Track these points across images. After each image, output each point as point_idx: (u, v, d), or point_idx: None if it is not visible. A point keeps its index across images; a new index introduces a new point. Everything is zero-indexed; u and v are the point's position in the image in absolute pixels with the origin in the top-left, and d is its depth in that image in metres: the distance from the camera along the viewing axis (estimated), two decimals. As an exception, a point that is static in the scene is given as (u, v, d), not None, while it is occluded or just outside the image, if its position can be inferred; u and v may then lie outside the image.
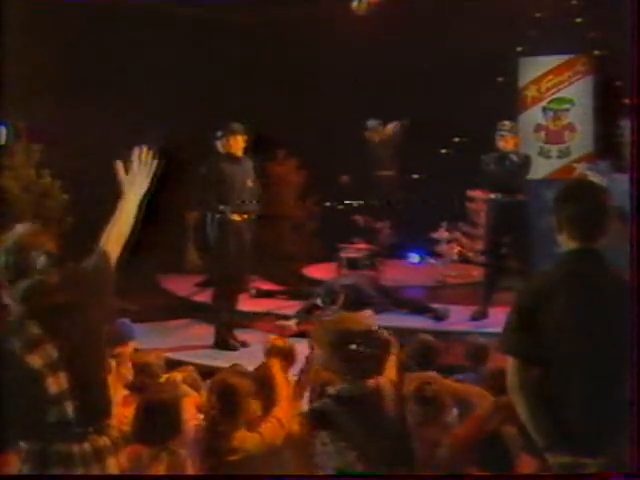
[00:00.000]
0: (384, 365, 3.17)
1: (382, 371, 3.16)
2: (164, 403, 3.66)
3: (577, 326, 2.85)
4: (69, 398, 2.89)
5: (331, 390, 3.18)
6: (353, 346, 3.05)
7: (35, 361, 2.86)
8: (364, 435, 3.02)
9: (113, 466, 3.01)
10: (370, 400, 3.09)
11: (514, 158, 7.65)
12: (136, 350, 5.30)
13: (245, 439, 3.67)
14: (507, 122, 7.78)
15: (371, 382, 3.12)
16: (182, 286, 9.54)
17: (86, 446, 2.91)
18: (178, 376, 4.84)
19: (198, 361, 6.46)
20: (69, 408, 2.89)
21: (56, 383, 2.87)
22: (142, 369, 4.58)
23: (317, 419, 3.11)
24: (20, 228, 3.11)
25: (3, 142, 8.81)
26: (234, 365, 4.75)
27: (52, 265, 2.97)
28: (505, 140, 7.64)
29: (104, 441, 2.97)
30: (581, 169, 9.29)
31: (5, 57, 7.27)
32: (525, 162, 7.75)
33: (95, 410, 3.00)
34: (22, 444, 2.91)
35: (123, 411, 4.18)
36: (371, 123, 10.02)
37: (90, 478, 2.95)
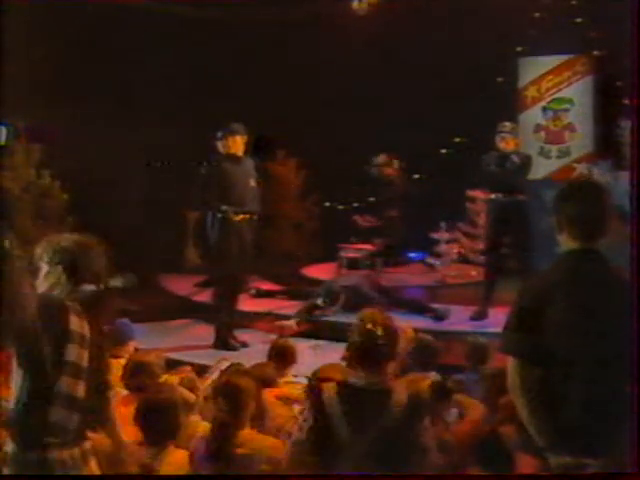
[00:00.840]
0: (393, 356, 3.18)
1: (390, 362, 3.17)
2: (162, 404, 3.66)
3: (577, 326, 2.85)
4: (78, 408, 2.86)
5: (344, 376, 3.19)
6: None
7: (71, 354, 2.84)
8: (348, 435, 3.02)
9: (96, 467, 3.02)
10: (375, 400, 3.08)
11: (515, 159, 7.63)
12: (136, 350, 5.31)
13: (251, 437, 3.69)
14: (507, 123, 7.76)
15: (386, 384, 3.12)
16: (182, 286, 9.54)
17: (76, 451, 2.91)
18: (175, 379, 4.85)
19: (198, 361, 6.46)
20: (74, 418, 2.86)
21: (72, 387, 2.84)
22: (142, 369, 4.57)
23: (313, 394, 3.13)
24: (74, 235, 3.04)
25: (3, 142, 8.80)
26: (236, 364, 4.76)
27: (126, 287, 2.96)
28: (505, 141, 7.63)
29: (88, 444, 2.98)
30: (581, 169, 9.33)
31: (5, 57, 7.26)
32: (526, 162, 7.73)
33: (91, 422, 3.00)
34: (17, 453, 2.86)
35: (123, 411, 4.19)
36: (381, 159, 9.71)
37: (90, 478, 2.95)
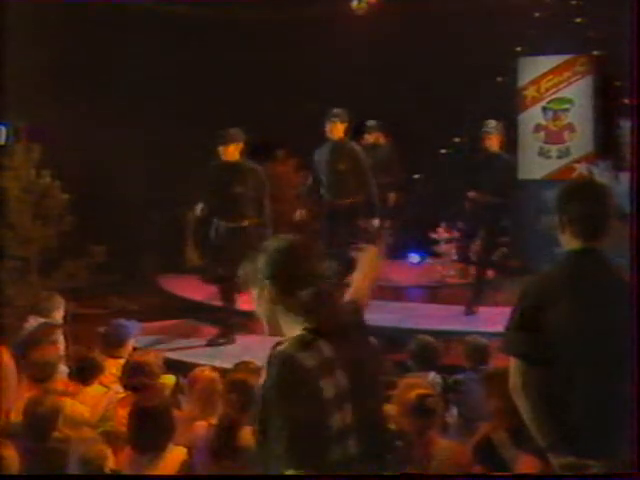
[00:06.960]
0: None
1: None
2: (155, 410, 3.65)
3: (579, 326, 2.85)
4: (353, 434, 2.42)
5: None
6: None
7: (328, 390, 2.36)
8: None
9: None
10: None
11: (502, 160, 7.76)
12: (135, 349, 5.31)
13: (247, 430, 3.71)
14: (492, 121, 7.87)
15: None
16: (182, 286, 9.52)
17: None
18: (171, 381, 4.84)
19: (198, 361, 6.46)
20: (352, 445, 2.40)
21: (341, 417, 2.39)
22: (141, 369, 4.57)
23: None
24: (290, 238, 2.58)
25: (3, 142, 8.80)
26: (246, 362, 4.75)
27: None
28: (490, 139, 7.74)
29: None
30: (581, 169, 9.33)
31: (5, 57, 7.26)
32: (512, 163, 7.88)
33: (379, 445, 2.53)
34: None
35: (121, 412, 4.19)
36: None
37: (90, 478, 2.95)
